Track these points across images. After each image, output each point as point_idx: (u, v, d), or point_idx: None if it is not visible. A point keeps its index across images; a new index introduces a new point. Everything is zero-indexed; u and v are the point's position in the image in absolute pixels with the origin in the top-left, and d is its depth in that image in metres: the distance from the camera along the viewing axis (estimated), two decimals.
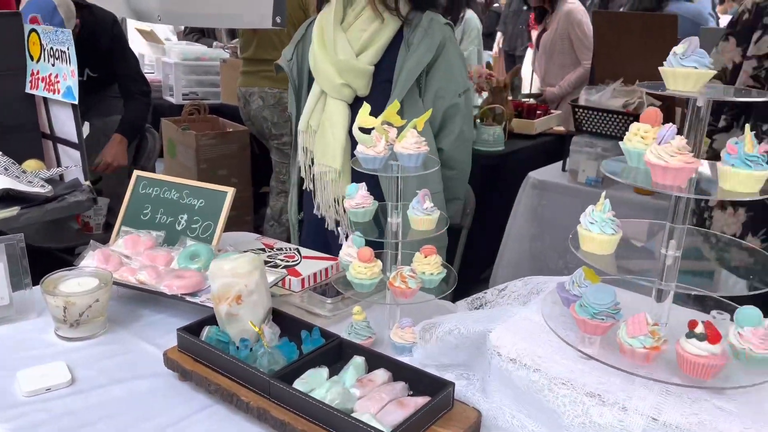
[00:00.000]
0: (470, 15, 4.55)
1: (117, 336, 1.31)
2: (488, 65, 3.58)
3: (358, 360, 1.09)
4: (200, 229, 1.60)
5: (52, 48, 2.12)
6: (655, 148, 0.87)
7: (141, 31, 5.09)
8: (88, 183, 2.24)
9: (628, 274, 0.97)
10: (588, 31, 3.84)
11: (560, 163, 2.78)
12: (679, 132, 0.89)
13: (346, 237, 1.36)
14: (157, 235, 1.57)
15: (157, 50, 4.73)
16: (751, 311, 0.90)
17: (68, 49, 2.06)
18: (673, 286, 0.94)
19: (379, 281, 1.26)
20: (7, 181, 2.03)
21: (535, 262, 2.75)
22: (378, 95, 1.65)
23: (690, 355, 0.87)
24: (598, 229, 0.95)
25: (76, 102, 2.12)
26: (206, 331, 1.16)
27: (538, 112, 3.52)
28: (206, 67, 4.52)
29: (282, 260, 1.61)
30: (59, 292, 1.25)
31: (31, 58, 2.23)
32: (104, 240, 2.93)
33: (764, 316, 0.90)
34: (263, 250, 1.69)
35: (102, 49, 2.97)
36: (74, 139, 2.25)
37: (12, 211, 2.01)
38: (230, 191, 1.60)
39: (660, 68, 0.90)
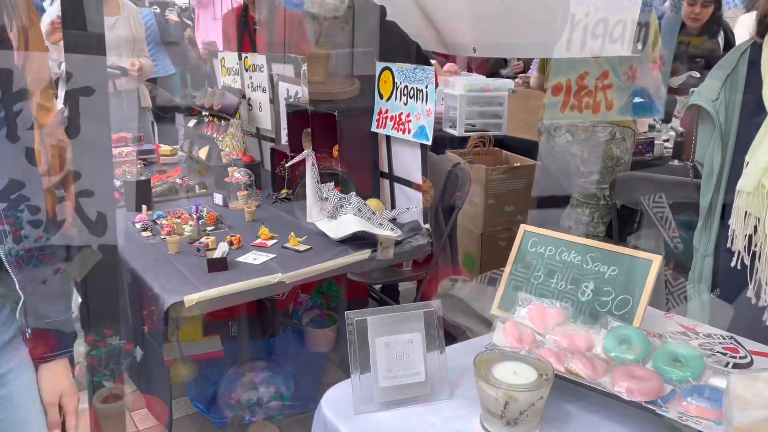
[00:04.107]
0: None
1: None
2: None
3: None
4: (613, 304, 1.31)
5: (406, 86, 2.05)
6: None
7: None
8: (427, 226, 2.12)
9: None
10: None
11: None
12: None
13: None
14: (564, 306, 1.31)
15: (440, 82, 4.71)
16: None
17: (426, 87, 1.96)
18: None
19: None
20: (360, 222, 1.98)
21: None
22: None
23: None
24: None
25: (429, 142, 2.01)
26: None
27: None
28: (490, 99, 4.38)
29: (722, 354, 1.25)
30: (498, 383, 1.04)
31: (381, 97, 2.19)
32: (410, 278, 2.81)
33: None
34: (686, 334, 1.34)
35: None
36: (417, 180, 2.15)
37: (364, 254, 1.95)
38: (656, 260, 1.29)
39: None
